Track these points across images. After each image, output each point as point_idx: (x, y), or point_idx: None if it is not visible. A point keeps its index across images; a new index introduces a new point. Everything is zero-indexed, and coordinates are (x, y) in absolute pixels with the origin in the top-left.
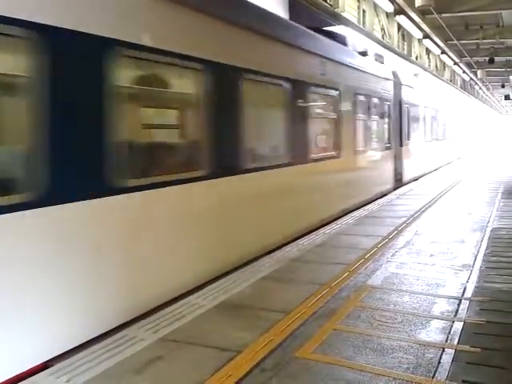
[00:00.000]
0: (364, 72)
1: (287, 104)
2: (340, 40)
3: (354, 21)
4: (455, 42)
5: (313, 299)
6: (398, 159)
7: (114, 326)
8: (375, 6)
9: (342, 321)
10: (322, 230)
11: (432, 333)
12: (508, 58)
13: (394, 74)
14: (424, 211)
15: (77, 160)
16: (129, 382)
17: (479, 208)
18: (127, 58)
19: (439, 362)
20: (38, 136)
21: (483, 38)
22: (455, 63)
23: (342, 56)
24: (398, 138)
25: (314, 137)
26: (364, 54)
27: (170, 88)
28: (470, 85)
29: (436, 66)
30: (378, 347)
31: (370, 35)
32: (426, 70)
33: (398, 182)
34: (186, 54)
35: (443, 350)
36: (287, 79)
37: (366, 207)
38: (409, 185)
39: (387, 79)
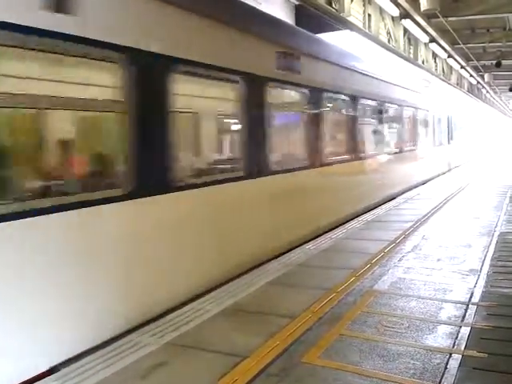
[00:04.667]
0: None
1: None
2: None
3: (360, 25)
4: (462, 45)
5: (319, 304)
6: None
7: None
8: (381, 10)
9: (348, 326)
10: (328, 235)
11: (439, 338)
12: None
13: None
14: (431, 215)
15: None
16: None
17: (487, 212)
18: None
19: (446, 368)
20: None
21: (490, 42)
22: (462, 67)
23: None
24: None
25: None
26: None
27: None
28: (478, 88)
29: (443, 70)
30: (384, 353)
31: (375, 39)
32: (433, 74)
33: None
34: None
35: (450, 356)
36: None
37: (372, 211)
38: (415, 189)
39: None
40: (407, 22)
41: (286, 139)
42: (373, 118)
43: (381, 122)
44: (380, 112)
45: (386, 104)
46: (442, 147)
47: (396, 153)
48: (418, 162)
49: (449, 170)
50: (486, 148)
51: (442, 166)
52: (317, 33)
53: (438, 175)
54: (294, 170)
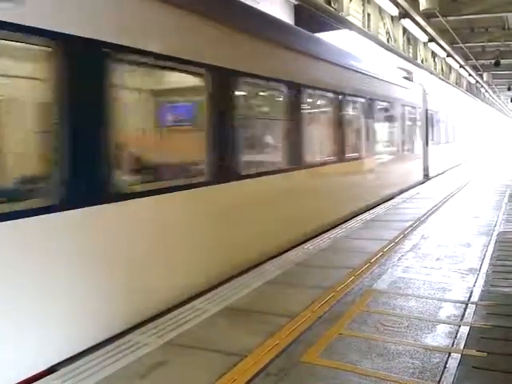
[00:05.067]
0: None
1: None
2: None
3: (359, 25)
4: (461, 44)
5: (318, 303)
6: None
7: None
8: (380, 10)
9: (347, 325)
10: (327, 234)
11: (438, 337)
12: None
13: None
14: (430, 215)
15: None
16: None
17: (486, 211)
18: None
19: (445, 367)
20: None
21: (489, 41)
22: (461, 66)
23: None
24: None
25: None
26: None
27: None
28: (476, 87)
29: (442, 69)
30: (383, 352)
31: (375, 39)
32: (432, 73)
33: None
34: None
35: (449, 355)
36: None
37: (371, 211)
38: (415, 189)
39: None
40: (406, 22)
41: None
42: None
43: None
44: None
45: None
46: (411, 152)
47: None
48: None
49: (424, 181)
50: (481, 148)
51: (409, 177)
52: (316, 32)
53: (401, 191)
54: None
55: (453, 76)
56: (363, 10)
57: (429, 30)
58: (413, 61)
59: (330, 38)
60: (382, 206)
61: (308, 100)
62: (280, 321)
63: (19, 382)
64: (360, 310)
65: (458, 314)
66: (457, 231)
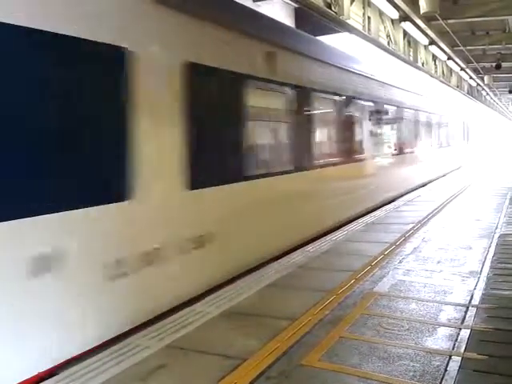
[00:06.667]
0: None
1: None
2: None
3: (360, 28)
4: (461, 48)
5: (319, 306)
6: None
7: None
8: (380, 13)
9: (348, 328)
10: (328, 237)
11: (439, 340)
12: None
13: None
14: (431, 217)
15: None
16: None
17: (487, 214)
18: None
19: (446, 370)
20: None
21: (489, 44)
22: (462, 69)
23: None
24: None
25: None
26: None
27: None
28: (477, 90)
29: (443, 72)
30: (384, 355)
31: (375, 42)
32: (432, 76)
33: None
34: None
35: (450, 358)
36: None
37: (372, 213)
38: (416, 191)
39: None
40: (407, 25)
41: None
42: None
43: None
44: None
45: None
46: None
47: None
48: None
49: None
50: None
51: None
52: (317, 35)
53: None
54: None
55: (454, 79)
56: (363, 14)
57: (429, 32)
58: (413, 64)
59: (331, 40)
60: (382, 208)
61: None
62: (281, 324)
63: (21, 381)
64: (361, 313)
65: (458, 316)
66: (458, 234)
